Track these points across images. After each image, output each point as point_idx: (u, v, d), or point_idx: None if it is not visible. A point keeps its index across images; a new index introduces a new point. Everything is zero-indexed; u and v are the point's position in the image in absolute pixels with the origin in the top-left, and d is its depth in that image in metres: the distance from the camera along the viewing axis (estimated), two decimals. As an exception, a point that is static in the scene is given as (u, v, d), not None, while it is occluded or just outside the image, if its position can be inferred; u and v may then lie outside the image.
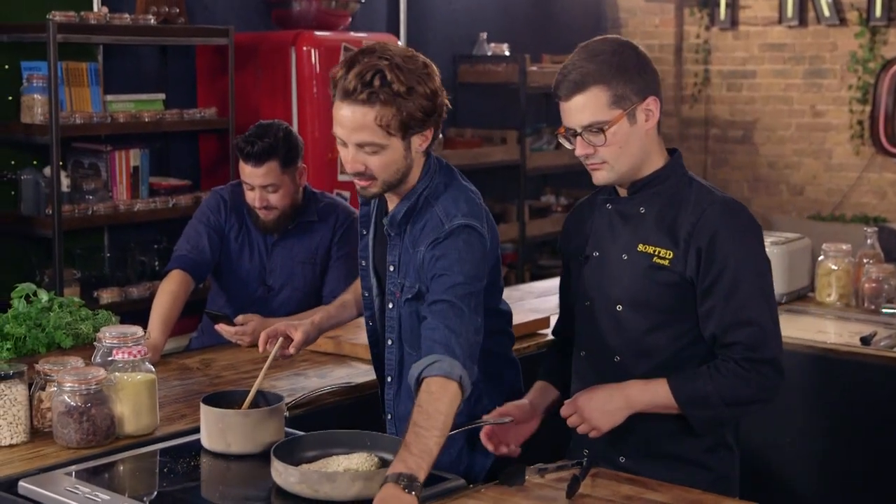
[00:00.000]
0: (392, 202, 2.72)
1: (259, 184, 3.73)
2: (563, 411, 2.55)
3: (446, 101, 2.63)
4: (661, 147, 2.62)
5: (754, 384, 2.50)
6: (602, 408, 2.52)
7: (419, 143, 2.60)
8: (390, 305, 2.75)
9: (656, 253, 2.55)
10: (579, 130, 2.53)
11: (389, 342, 2.78)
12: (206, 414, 2.67)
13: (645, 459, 2.56)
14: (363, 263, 2.89)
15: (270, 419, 2.66)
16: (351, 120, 2.52)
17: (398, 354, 2.78)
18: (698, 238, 2.51)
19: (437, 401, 2.38)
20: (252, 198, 3.78)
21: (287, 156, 3.74)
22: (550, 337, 3.05)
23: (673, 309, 2.56)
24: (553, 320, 3.07)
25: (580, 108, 2.52)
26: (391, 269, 2.72)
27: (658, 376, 2.56)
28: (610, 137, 2.51)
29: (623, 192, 2.64)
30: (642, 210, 2.59)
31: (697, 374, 2.52)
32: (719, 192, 2.59)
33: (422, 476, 2.26)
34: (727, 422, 2.61)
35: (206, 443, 2.67)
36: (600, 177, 2.58)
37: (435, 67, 2.62)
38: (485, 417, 2.68)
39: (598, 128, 2.51)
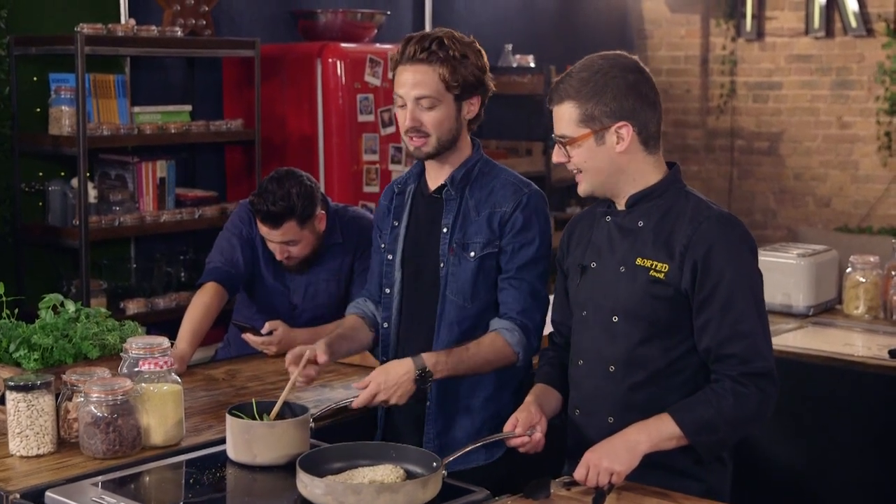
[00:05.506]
0: (437, 176, 2.95)
1: (278, 241, 3.73)
2: (578, 474, 2.49)
3: (492, 84, 2.97)
4: (659, 162, 2.64)
5: (755, 400, 2.49)
6: (612, 454, 2.48)
7: (467, 110, 2.91)
8: (441, 265, 2.93)
9: (653, 266, 2.56)
10: (556, 139, 2.61)
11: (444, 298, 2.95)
12: (232, 425, 2.67)
13: (635, 469, 2.53)
14: (390, 258, 3.01)
15: (296, 430, 2.66)
16: (412, 77, 2.85)
17: (444, 307, 2.94)
18: (694, 251, 2.52)
19: (490, 353, 2.84)
20: (273, 248, 3.78)
21: (304, 213, 3.69)
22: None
23: (667, 321, 2.57)
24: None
25: (557, 119, 2.61)
26: (444, 230, 2.92)
27: (651, 387, 2.59)
28: (573, 152, 2.59)
29: (621, 206, 2.65)
30: (640, 224, 2.61)
31: (697, 401, 2.52)
32: (716, 207, 2.61)
33: (436, 375, 2.76)
34: (730, 444, 2.61)
35: (231, 454, 2.68)
36: (579, 187, 2.65)
37: (484, 52, 2.96)
38: (507, 430, 2.67)
39: (564, 142, 2.59)
